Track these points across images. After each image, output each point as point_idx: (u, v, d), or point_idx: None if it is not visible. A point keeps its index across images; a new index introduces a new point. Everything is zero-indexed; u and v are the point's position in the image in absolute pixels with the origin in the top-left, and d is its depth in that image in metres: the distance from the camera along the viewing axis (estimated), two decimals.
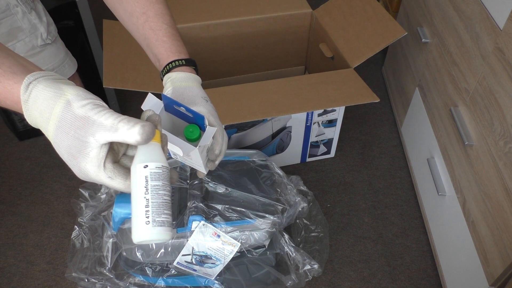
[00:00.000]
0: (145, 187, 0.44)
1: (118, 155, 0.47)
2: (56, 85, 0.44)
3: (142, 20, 0.66)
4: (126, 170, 0.46)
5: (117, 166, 0.45)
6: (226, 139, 0.63)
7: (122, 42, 1.34)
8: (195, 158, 0.61)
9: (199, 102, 0.62)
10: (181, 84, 0.63)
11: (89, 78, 1.58)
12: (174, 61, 0.64)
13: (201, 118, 0.58)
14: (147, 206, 0.44)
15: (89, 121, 0.42)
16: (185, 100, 0.62)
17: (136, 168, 0.45)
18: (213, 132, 0.59)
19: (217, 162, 0.65)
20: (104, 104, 0.45)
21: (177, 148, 0.58)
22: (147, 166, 0.45)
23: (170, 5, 0.70)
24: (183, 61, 0.65)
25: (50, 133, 0.44)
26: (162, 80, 0.66)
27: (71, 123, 0.43)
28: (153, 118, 0.47)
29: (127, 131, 0.42)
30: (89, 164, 0.43)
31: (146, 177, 0.44)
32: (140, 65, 1.27)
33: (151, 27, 0.65)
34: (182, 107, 0.58)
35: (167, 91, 0.63)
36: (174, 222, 1.05)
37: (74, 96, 0.43)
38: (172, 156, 0.63)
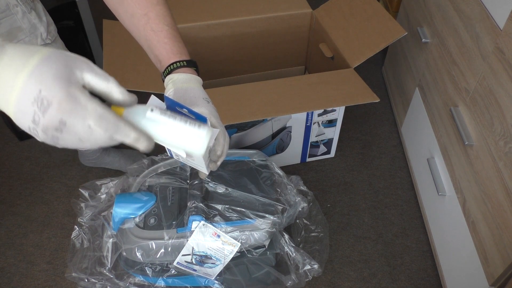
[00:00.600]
0: (168, 118, 0.49)
1: None
2: (26, 46, 0.40)
3: (143, 21, 0.66)
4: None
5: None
6: (227, 140, 0.64)
7: (122, 42, 1.34)
8: (197, 159, 0.61)
9: (200, 103, 0.62)
10: (183, 85, 0.63)
11: None
12: (175, 62, 0.64)
13: (204, 119, 0.58)
14: (185, 122, 0.50)
15: (79, 59, 0.41)
16: (186, 101, 0.62)
17: (147, 116, 0.48)
18: (215, 134, 0.60)
19: (219, 163, 0.65)
20: None
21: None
22: (152, 109, 0.48)
23: (170, 6, 0.70)
24: (184, 62, 0.65)
25: (19, 80, 0.37)
26: (163, 81, 0.66)
27: (57, 58, 0.39)
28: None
29: (117, 87, 0.43)
30: (92, 120, 0.40)
31: (160, 113, 0.49)
32: (140, 65, 1.27)
33: (152, 29, 0.66)
34: (184, 109, 0.58)
35: (169, 92, 0.63)
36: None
37: (53, 50, 0.41)
38: (174, 157, 0.63)
